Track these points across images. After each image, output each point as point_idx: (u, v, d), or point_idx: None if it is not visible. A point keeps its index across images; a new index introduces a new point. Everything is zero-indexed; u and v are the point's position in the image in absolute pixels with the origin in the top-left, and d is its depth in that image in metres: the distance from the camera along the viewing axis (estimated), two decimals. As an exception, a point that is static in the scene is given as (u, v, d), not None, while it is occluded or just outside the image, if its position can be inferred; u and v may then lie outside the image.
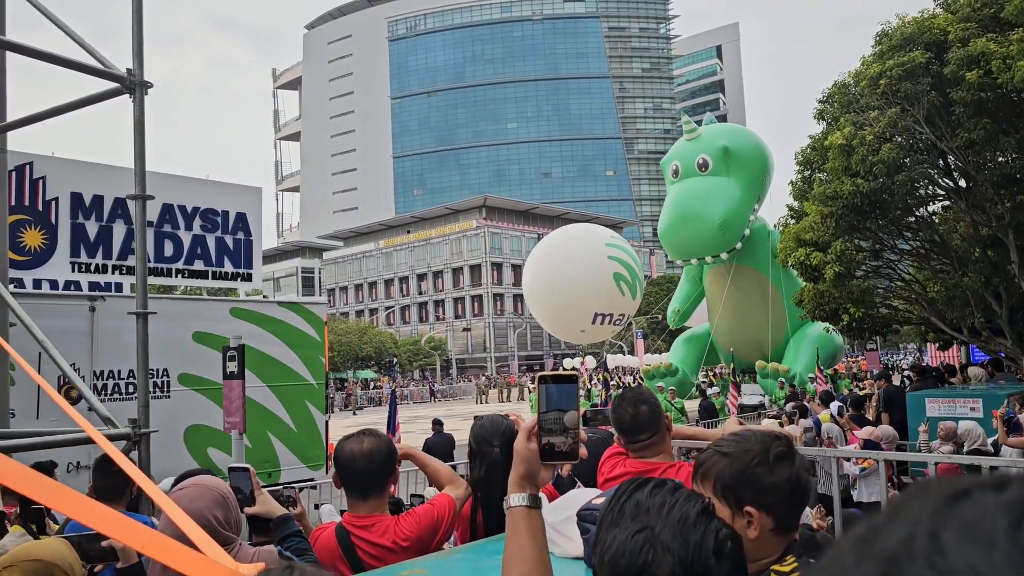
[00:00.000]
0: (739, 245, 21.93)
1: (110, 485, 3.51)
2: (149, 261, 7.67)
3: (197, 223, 9.47)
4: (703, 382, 24.84)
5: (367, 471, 2.76)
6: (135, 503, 3.70)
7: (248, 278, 9.85)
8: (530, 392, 34.26)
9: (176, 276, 9.36)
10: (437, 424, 13.71)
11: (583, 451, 1.62)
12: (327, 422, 10.01)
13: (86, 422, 1.54)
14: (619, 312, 13.54)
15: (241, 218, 9.82)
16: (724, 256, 21.88)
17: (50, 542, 2.28)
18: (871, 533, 0.46)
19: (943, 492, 0.46)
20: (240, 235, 9.88)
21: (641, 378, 25.85)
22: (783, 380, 21.22)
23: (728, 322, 25.20)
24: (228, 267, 9.79)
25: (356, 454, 2.76)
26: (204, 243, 9.55)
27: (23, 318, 3.99)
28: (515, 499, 1.62)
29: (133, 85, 4.05)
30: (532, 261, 16.32)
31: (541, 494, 1.68)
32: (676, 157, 23.46)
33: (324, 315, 10.24)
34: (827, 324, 24.28)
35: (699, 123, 24.39)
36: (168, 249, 9.17)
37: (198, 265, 9.49)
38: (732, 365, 24.13)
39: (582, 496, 2.59)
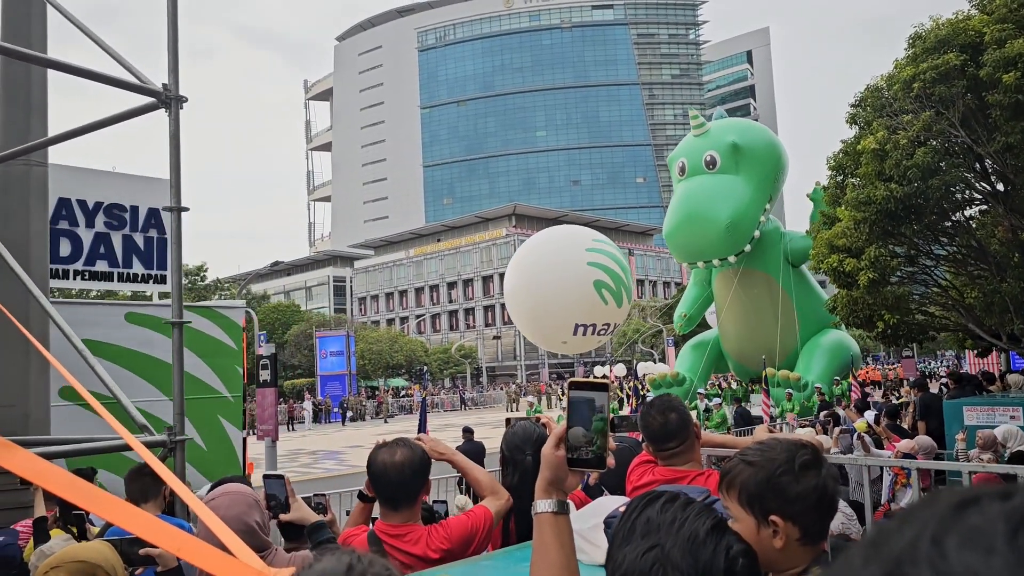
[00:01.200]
0: (748, 247, 20.65)
1: (140, 488, 3.57)
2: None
3: (100, 220, 8.46)
4: (699, 392, 23.30)
5: (398, 482, 2.76)
6: (171, 508, 3.77)
7: (161, 280, 8.75)
8: (560, 398, 34.21)
9: (75, 278, 8.33)
10: (468, 432, 13.71)
11: (611, 460, 1.61)
12: (245, 439, 9.10)
13: (124, 430, 1.58)
14: (603, 322, 11.93)
15: (154, 214, 8.77)
16: (732, 259, 20.62)
17: (94, 545, 2.35)
18: (881, 537, 0.49)
19: (952, 500, 0.48)
20: (152, 232, 8.82)
21: (648, 388, 24.94)
22: (791, 391, 20.35)
23: (736, 328, 24.18)
24: (138, 268, 8.74)
25: (388, 465, 2.76)
26: (108, 242, 8.53)
27: (63, 328, 4.09)
28: (542, 505, 1.61)
29: (169, 100, 4.15)
30: (511, 267, 14.10)
31: (569, 500, 1.69)
32: (683, 154, 22.17)
33: (241, 319, 9.18)
34: (841, 332, 23.37)
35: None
36: (64, 249, 8.17)
37: (100, 266, 8.46)
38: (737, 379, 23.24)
39: (609, 503, 2.59)
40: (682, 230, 20.55)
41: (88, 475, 5.77)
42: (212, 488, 3.55)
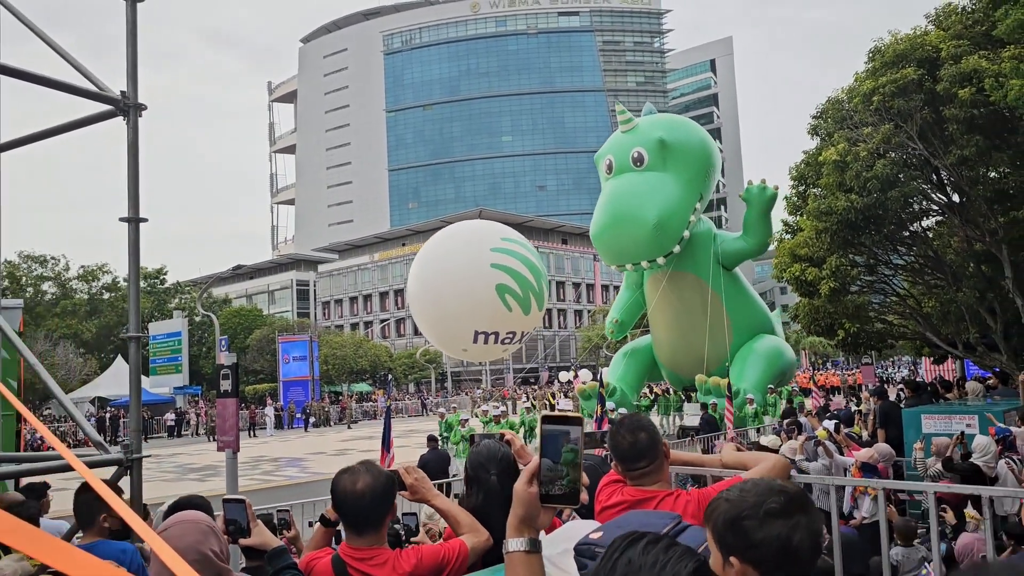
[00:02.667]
0: (677, 248, 19.37)
1: (91, 513, 3.45)
2: None
3: None
4: (635, 404, 22.15)
5: (361, 508, 2.70)
6: (126, 530, 3.64)
7: None
8: (530, 402, 33.84)
9: None
10: (432, 440, 13.67)
11: (584, 496, 1.58)
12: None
13: (62, 446, 1.50)
14: (507, 330, 11.52)
15: None
16: (661, 261, 19.36)
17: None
18: None
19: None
20: None
21: (575, 398, 23.58)
22: (715, 402, 19.48)
23: (668, 334, 22.73)
24: None
25: (349, 493, 2.70)
26: None
27: (14, 340, 3.95)
28: (513, 544, 1.58)
29: (127, 108, 4.03)
30: (414, 265, 13.44)
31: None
32: (610, 151, 20.92)
33: (17, 323, 7.63)
34: (775, 338, 22.70)
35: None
36: None
37: None
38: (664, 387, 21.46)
39: (580, 528, 2.55)
40: (609, 231, 19.45)
41: (40, 491, 5.61)
42: (171, 509, 3.45)
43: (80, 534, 3.49)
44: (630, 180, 19.59)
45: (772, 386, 21.39)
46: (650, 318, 23.46)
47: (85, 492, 3.39)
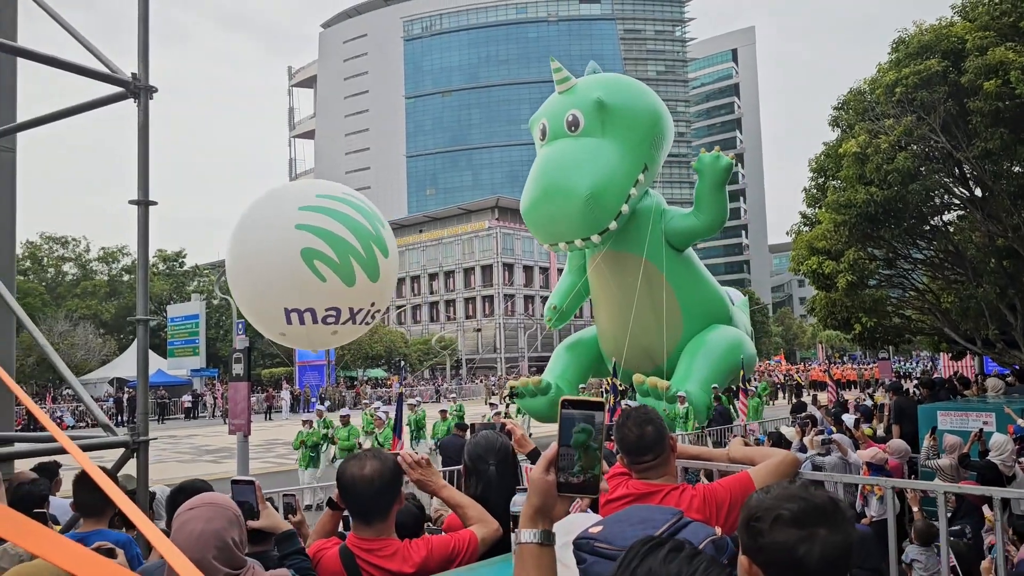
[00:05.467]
0: (614, 225, 16.76)
1: (92, 501, 3.43)
2: None
3: None
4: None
5: (368, 495, 2.67)
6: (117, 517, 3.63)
7: None
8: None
9: None
10: (460, 428, 13.20)
11: (605, 484, 1.50)
12: None
13: (57, 429, 1.47)
14: (326, 306, 7.90)
15: None
16: (596, 239, 16.83)
17: (42, 566, 2.24)
18: None
19: None
20: None
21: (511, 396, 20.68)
22: (667, 408, 16.58)
23: (611, 324, 19.81)
24: None
25: (357, 478, 2.67)
26: None
27: (28, 325, 3.97)
28: (527, 535, 1.50)
29: (138, 90, 4.02)
30: (230, 237, 9.60)
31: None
32: (544, 114, 18.45)
33: None
34: (733, 329, 19.48)
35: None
36: None
37: None
38: (614, 380, 17.46)
39: (580, 520, 2.52)
40: (538, 206, 16.99)
41: (53, 471, 5.65)
42: (173, 494, 3.44)
43: (82, 521, 3.50)
44: (563, 147, 17.21)
45: (715, 385, 18.25)
46: (593, 305, 21.20)
47: (91, 479, 3.38)
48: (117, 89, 4.18)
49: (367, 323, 8.75)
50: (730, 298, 22.38)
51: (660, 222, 18.67)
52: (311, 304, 8.39)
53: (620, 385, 18.91)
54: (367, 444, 14.22)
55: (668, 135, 18.69)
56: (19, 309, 4.01)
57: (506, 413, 15.24)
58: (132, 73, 4.04)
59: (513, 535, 2.50)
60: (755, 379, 19.96)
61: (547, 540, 1.50)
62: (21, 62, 5.59)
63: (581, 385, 21.03)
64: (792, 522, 1.50)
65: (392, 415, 13.99)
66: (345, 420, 15.24)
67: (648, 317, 18.46)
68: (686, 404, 16.54)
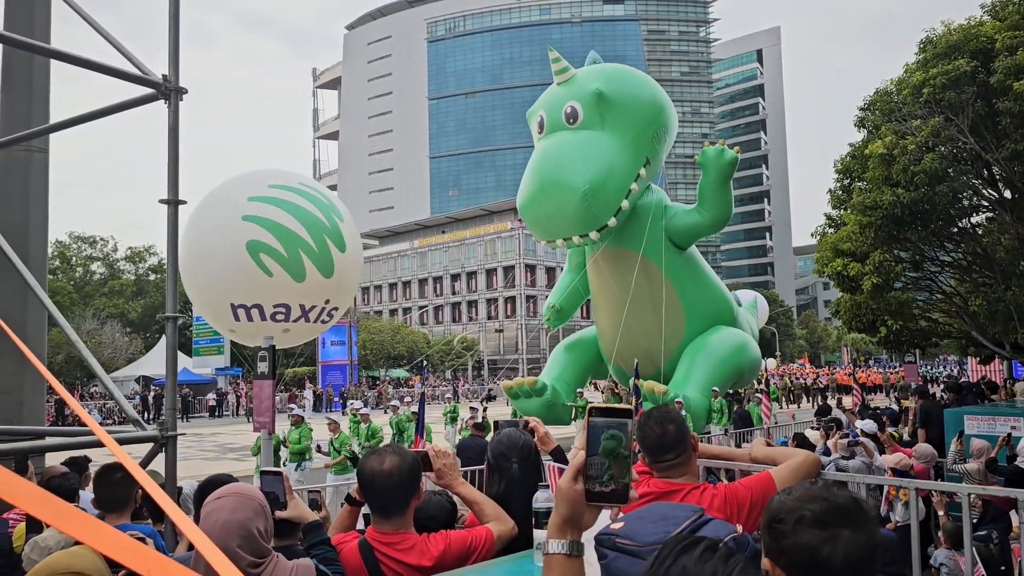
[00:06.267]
0: (613, 221, 16.25)
1: (114, 496, 3.47)
2: None
3: None
4: (569, 405, 19.19)
5: (387, 490, 2.71)
6: (139, 510, 3.70)
7: None
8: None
9: None
10: (478, 428, 13.23)
11: (635, 493, 1.47)
12: None
13: (94, 422, 1.51)
14: (274, 303, 8.11)
15: None
16: (594, 235, 16.30)
17: (82, 551, 2.30)
18: None
19: None
20: None
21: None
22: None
23: (610, 324, 19.14)
24: None
25: (376, 473, 2.70)
26: None
27: (61, 321, 4.05)
28: (554, 545, 1.46)
29: (168, 91, 4.10)
30: (183, 228, 8.80)
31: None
32: (542, 106, 17.93)
33: None
34: (736, 331, 18.99)
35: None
36: None
37: None
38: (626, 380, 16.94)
39: (600, 518, 2.54)
40: (536, 202, 16.43)
41: (82, 465, 5.76)
42: (201, 487, 3.50)
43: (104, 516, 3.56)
44: (560, 141, 16.73)
45: (716, 388, 17.80)
46: (592, 305, 20.63)
47: (112, 473, 3.43)
48: (147, 90, 4.25)
49: (323, 321, 8.32)
50: (737, 299, 21.86)
51: (662, 219, 18.15)
52: (258, 300, 7.93)
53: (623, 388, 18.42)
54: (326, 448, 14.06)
55: (672, 128, 18.25)
56: (52, 306, 4.10)
57: (483, 416, 14.86)
58: (163, 75, 4.11)
59: (535, 533, 2.52)
60: (756, 383, 19.53)
61: (575, 551, 1.46)
62: (54, 64, 5.71)
63: (579, 389, 20.57)
64: (815, 523, 1.48)
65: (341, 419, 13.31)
66: (296, 421, 14.28)
67: (648, 317, 18.04)
68: (682, 408, 15.92)
